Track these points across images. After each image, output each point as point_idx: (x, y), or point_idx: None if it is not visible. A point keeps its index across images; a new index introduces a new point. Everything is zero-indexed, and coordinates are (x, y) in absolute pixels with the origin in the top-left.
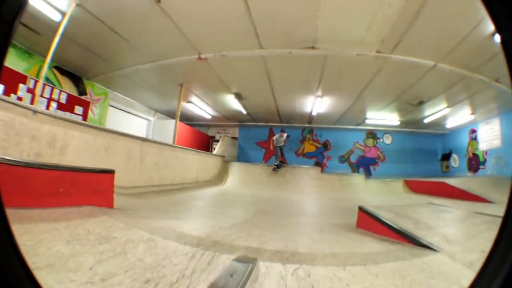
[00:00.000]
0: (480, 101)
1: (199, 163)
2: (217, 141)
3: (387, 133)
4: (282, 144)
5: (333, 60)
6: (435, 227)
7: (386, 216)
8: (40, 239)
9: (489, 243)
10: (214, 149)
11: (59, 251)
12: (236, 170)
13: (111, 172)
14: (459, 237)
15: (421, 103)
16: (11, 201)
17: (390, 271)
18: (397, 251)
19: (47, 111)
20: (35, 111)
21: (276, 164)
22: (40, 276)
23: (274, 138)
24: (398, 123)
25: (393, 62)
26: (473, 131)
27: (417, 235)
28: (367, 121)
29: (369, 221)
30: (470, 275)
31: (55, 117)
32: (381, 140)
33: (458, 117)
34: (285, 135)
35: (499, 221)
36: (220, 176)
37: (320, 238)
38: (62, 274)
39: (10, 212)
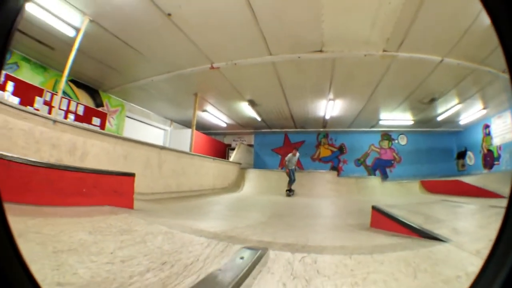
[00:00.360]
0: (490, 95)
1: (215, 170)
2: (233, 149)
3: (402, 134)
4: (294, 167)
5: (342, 62)
6: (445, 220)
7: (398, 213)
8: (63, 229)
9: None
10: (231, 156)
11: (81, 238)
12: (253, 176)
13: (131, 175)
14: (468, 229)
15: (432, 100)
16: (35, 199)
17: (395, 259)
18: (405, 243)
19: (66, 120)
20: (55, 121)
21: (288, 189)
22: (61, 258)
23: (286, 159)
24: (411, 122)
25: (400, 60)
26: (487, 126)
27: (426, 228)
28: (381, 123)
29: (381, 219)
30: (476, 262)
31: (75, 126)
32: (396, 141)
33: (470, 112)
34: (298, 154)
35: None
36: (237, 183)
37: (331, 235)
38: (84, 257)
39: (33, 209)
